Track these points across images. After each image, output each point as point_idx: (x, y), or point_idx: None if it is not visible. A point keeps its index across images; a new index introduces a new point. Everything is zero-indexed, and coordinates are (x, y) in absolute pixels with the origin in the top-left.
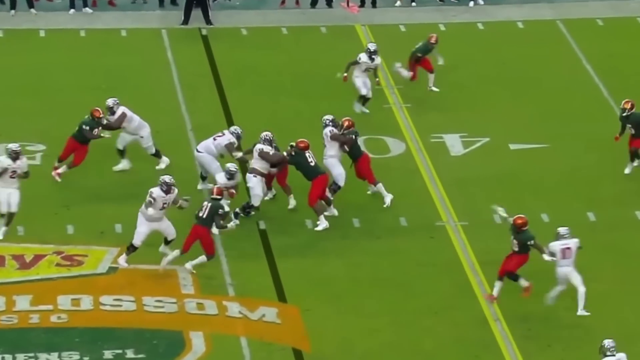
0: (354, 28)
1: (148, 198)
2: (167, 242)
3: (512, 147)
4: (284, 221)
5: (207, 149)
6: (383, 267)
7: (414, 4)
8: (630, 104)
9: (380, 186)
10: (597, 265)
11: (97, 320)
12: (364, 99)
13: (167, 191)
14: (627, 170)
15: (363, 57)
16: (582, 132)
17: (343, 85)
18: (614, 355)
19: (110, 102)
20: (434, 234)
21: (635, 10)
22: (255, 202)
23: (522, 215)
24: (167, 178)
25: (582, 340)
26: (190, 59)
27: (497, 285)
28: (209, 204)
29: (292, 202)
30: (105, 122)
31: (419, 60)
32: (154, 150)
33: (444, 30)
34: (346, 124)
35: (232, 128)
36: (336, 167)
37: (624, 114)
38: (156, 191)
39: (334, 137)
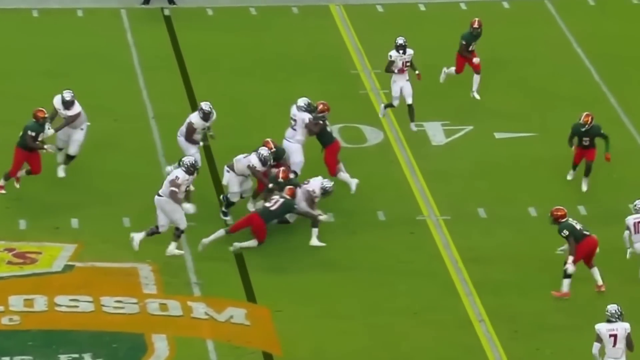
0: (328, 8)
1: (173, 181)
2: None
3: (498, 136)
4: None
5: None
6: (359, 264)
7: None
8: (590, 117)
9: (342, 175)
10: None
11: (52, 322)
12: (391, 106)
13: (189, 172)
14: (569, 177)
15: (393, 54)
16: (573, 120)
17: (315, 67)
18: (614, 322)
19: (68, 95)
20: (415, 229)
21: None
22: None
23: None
24: (189, 160)
25: (573, 343)
26: (152, 41)
27: (595, 273)
28: (283, 201)
29: None
30: (48, 125)
31: (466, 51)
32: (76, 151)
33: (424, 11)
34: (320, 107)
35: (204, 104)
36: (296, 154)
37: (584, 129)
38: (181, 174)
39: (308, 126)
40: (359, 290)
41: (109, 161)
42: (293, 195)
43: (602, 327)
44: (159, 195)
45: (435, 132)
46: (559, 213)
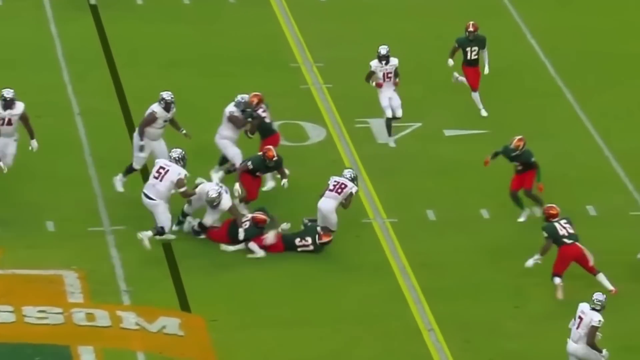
0: None
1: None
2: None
3: (447, 133)
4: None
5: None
6: (302, 270)
7: None
8: (522, 142)
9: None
10: (545, 267)
11: None
12: (391, 120)
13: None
14: (522, 219)
15: (374, 64)
16: (528, 116)
17: (253, 60)
18: (596, 311)
19: (9, 93)
20: (360, 232)
21: None
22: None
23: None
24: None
25: (529, 354)
26: (77, 33)
27: (602, 279)
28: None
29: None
30: None
31: (465, 59)
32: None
33: (371, 2)
34: (254, 100)
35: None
36: (230, 148)
37: (514, 154)
38: (183, 171)
39: (231, 120)
40: (302, 296)
41: (30, 160)
42: (263, 221)
43: (582, 306)
44: (149, 198)
45: (382, 129)
46: (550, 212)
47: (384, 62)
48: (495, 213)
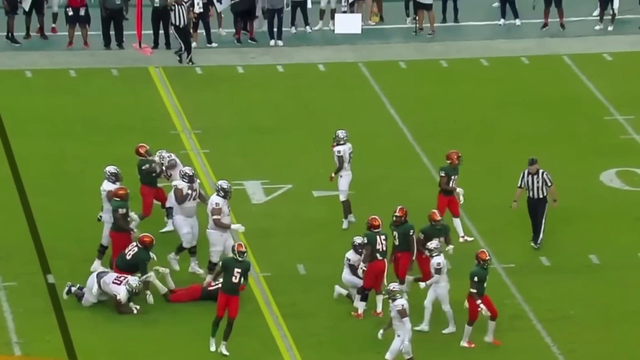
0: (147, 70)
1: (213, 208)
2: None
3: (316, 194)
4: (75, 273)
5: None
6: (180, 320)
7: (214, 44)
8: (403, 211)
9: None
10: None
11: None
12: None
13: (225, 196)
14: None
15: (341, 148)
16: (387, 178)
17: (135, 128)
18: (395, 300)
19: None
20: None
21: (438, 52)
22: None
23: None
24: (224, 183)
25: None
26: None
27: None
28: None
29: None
30: None
31: (446, 185)
32: None
33: (242, 73)
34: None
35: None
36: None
37: (391, 225)
38: (220, 200)
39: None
40: (182, 346)
41: None
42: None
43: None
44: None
45: (255, 191)
46: (373, 223)
47: (340, 143)
48: None
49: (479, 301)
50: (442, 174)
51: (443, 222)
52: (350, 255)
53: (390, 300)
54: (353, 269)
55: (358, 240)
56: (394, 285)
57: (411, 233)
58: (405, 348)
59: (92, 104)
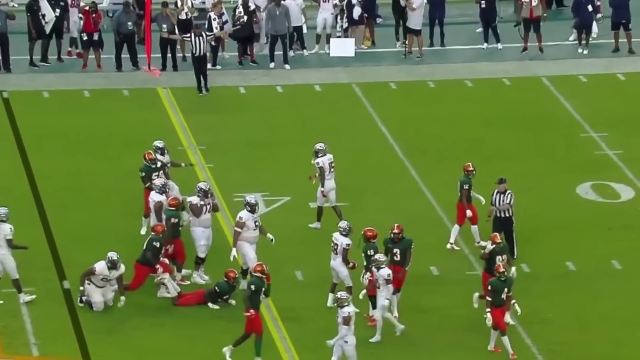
0: (156, 90)
1: (237, 221)
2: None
3: (312, 205)
4: None
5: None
6: (186, 325)
7: (218, 67)
8: (400, 228)
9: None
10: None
11: None
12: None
13: (252, 211)
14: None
15: (321, 160)
16: (381, 191)
17: (144, 145)
18: (342, 307)
19: None
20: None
21: (426, 74)
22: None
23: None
24: (250, 198)
25: None
26: None
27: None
28: None
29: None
30: None
31: (468, 198)
32: None
33: (244, 93)
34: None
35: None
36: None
37: (391, 244)
38: (245, 214)
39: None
40: (187, 348)
41: None
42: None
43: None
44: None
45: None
46: (369, 233)
47: (318, 155)
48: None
49: (488, 309)
50: (466, 187)
51: (503, 243)
52: (338, 237)
53: (338, 308)
54: (344, 254)
55: (342, 224)
56: (342, 294)
57: (412, 247)
58: (349, 352)
59: (105, 122)
